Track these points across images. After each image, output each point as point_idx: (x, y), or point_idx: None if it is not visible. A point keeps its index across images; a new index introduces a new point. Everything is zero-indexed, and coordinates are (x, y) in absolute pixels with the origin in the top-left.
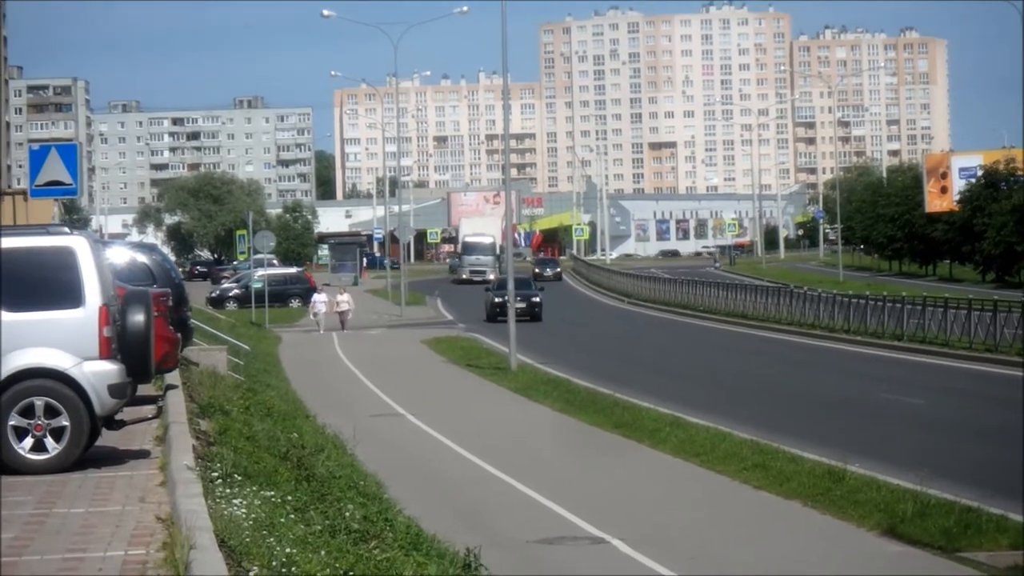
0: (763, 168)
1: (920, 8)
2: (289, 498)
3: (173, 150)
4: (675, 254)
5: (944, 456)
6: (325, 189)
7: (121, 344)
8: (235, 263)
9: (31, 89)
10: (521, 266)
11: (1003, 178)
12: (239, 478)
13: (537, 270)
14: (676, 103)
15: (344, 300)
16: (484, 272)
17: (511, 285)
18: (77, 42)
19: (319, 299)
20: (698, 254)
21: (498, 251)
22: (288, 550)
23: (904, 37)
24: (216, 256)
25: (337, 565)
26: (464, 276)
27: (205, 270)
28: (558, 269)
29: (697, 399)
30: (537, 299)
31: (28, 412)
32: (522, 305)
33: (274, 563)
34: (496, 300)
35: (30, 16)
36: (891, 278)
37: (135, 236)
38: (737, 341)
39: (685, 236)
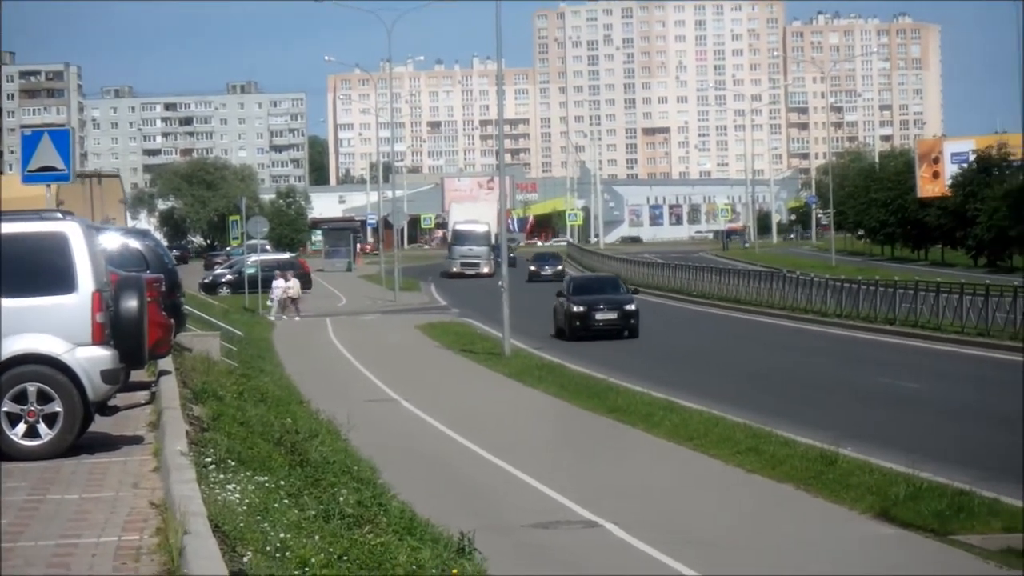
0: (756, 153)
1: None
2: (283, 483)
3: (166, 135)
4: (636, 240)
5: (936, 439)
6: (318, 174)
7: (114, 330)
8: (228, 249)
9: (23, 75)
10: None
11: (995, 163)
12: (233, 463)
13: (533, 268)
14: (669, 88)
15: (290, 286)
16: (477, 265)
17: (505, 270)
18: (69, 27)
19: (278, 284)
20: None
21: (493, 240)
22: (282, 535)
23: (897, 23)
24: (209, 242)
25: (331, 550)
26: (455, 269)
27: (179, 254)
28: (559, 267)
29: (690, 383)
30: (632, 307)
31: (21, 398)
32: (612, 316)
33: (268, 548)
34: (576, 310)
35: (22, 2)
36: (883, 263)
37: (128, 221)
38: (730, 326)
39: (678, 221)
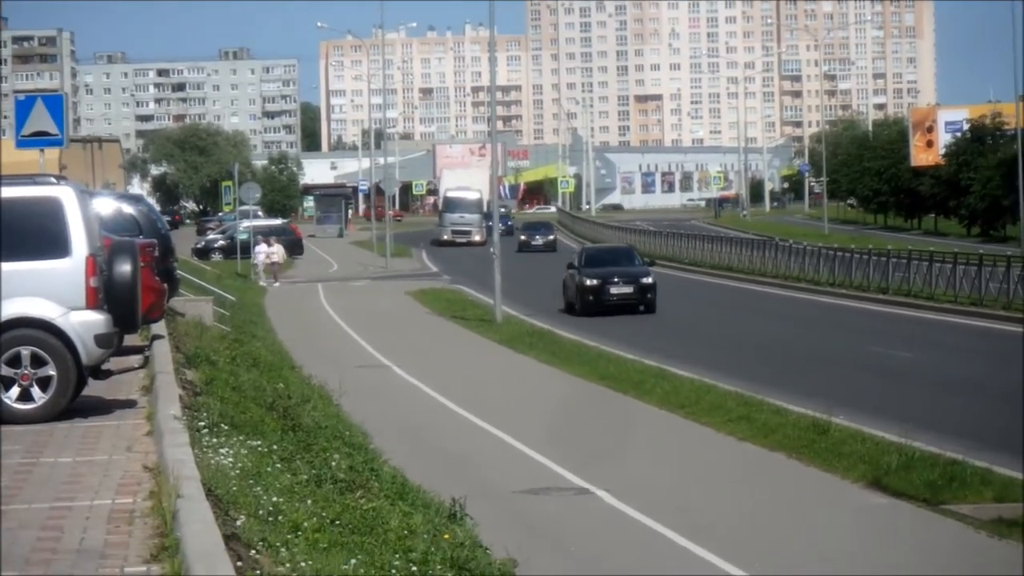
0: (749, 121)
1: None
2: (275, 448)
3: (159, 101)
4: (618, 207)
5: (929, 408)
6: (310, 141)
7: (108, 294)
8: (220, 214)
9: (16, 40)
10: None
11: (989, 132)
12: (225, 428)
13: (524, 237)
14: (662, 55)
15: (273, 251)
16: (469, 233)
17: (496, 237)
18: None
19: (260, 250)
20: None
21: (485, 208)
22: (275, 499)
23: None
24: (201, 207)
25: (323, 514)
26: (445, 237)
27: (169, 219)
28: (551, 236)
29: (681, 351)
30: (648, 280)
31: (15, 362)
32: (627, 290)
33: (261, 512)
34: (589, 283)
35: None
36: (876, 231)
37: (126, 186)
38: (721, 294)
39: (671, 189)
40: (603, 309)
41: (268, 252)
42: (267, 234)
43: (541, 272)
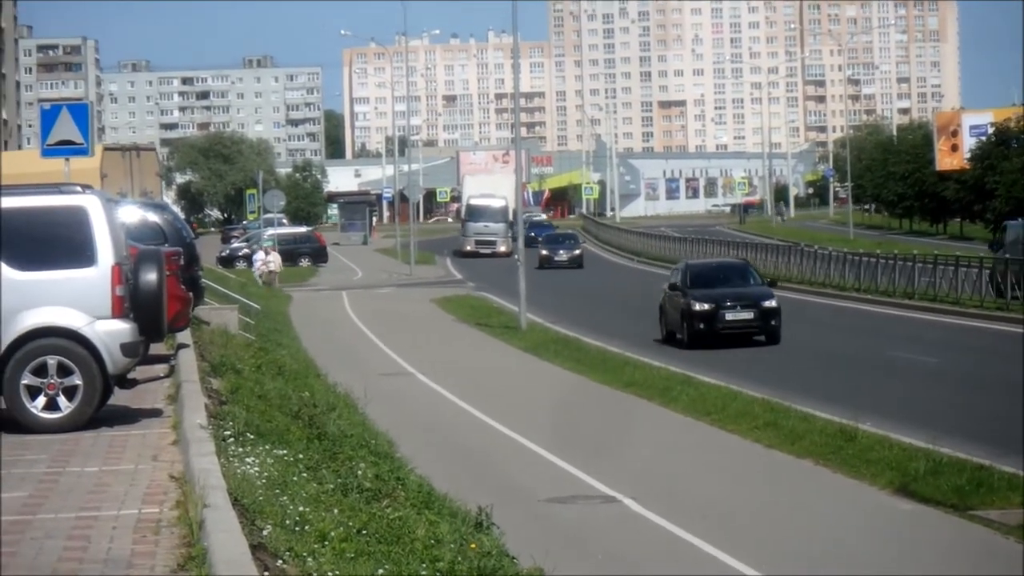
0: (773, 126)
1: None
2: (301, 457)
3: (183, 109)
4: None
5: (956, 414)
6: (334, 148)
7: (133, 303)
8: (245, 222)
9: (41, 48)
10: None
11: (1014, 135)
12: (251, 437)
13: (545, 252)
14: (686, 61)
15: (270, 260)
16: (494, 243)
17: (521, 244)
18: (87, 1)
19: (258, 257)
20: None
21: (511, 216)
22: (301, 508)
23: None
24: (226, 215)
25: (350, 523)
26: (469, 248)
27: None
28: (578, 251)
29: (708, 358)
30: (771, 304)
31: (41, 371)
32: (747, 316)
33: (287, 521)
34: (699, 308)
35: None
36: (901, 236)
37: (163, 194)
38: None
39: (695, 195)
40: (717, 339)
41: (265, 260)
42: (289, 243)
43: (568, 279)
